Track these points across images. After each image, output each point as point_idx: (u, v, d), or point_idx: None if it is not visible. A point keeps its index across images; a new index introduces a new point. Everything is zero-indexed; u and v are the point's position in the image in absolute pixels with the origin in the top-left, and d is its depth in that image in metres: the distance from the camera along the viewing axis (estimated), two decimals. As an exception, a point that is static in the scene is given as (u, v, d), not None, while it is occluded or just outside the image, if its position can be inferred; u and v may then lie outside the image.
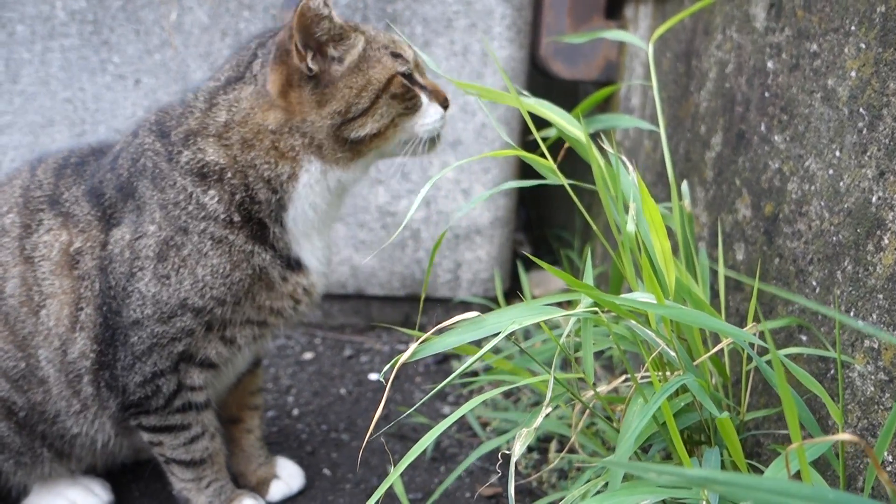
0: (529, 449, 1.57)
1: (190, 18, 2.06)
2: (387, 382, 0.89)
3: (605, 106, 2.17)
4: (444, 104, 1.28)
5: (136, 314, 1.20)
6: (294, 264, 1.26)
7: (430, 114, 1.25)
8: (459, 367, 1.96)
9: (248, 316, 1.25)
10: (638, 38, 1.69)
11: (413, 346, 0.94)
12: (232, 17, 2.06)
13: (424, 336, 0.96)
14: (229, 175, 1.20)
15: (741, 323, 1.34)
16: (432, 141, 1.27)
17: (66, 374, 1.26)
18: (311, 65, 1.17)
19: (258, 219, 1.21)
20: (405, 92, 1.22)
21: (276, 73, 1.20)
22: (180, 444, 1.30)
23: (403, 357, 0.90)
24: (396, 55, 1.23)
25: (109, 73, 2.08)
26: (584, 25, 2.04)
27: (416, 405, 1.31)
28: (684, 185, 1.28)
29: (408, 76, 1.23)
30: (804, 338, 1.16)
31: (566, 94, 2.66)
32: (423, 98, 1.25)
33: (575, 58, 2.08)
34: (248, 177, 1.20)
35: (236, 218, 1.20)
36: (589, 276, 1.04)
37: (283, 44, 1.18)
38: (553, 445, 1.56)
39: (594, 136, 1.46)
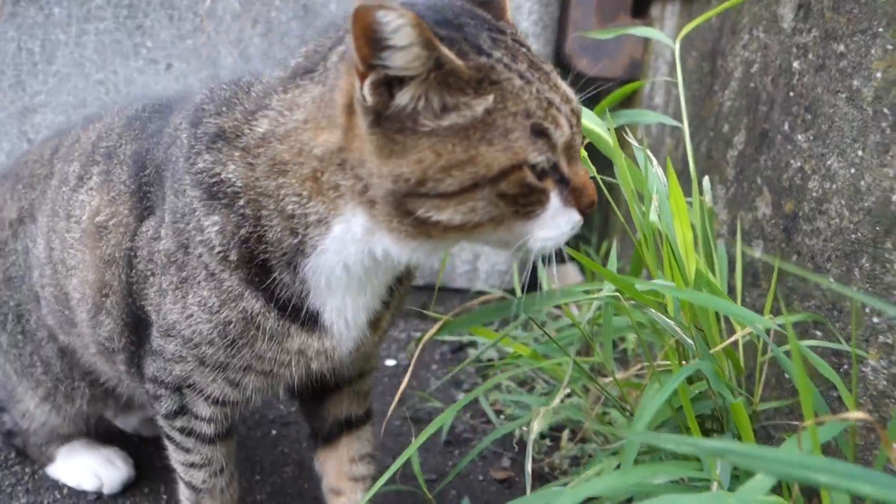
0: (542, 436, 1.60)
1: (222, 5, 2.10)
2: (412, 358, 0.92)
3: (628, 105, 2.18)
4: (587, 209, 0.88)
5: (150, 317, 1.06)
6: (307, 319, 0.97)
7: (557, 224, 0.86)
8: (474, 353, 1.99)
9: (248, 363, 1.01)
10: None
11: (438, 325, 0.98)
12: (263, 5, 2.10)
13: (447, 317, 0.99)
14: (241, 202, 0.92)
15: (757, 319, 1.36)
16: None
17: (97, 346, 1.21)
18: (366, 91, 0.80)
19: (261, 261, 0.94)
20: (525, 194, 0.82)
21: (349, 79, 0.83)
22: (180, 462, 1.18)
23: (429, 333, 0.94)
24: (540, 132, 0.82)
25: (142, 56, 2.12)
26: (611, 23, 2.06)
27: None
28: (706, 181, 1.30)
29: (542, 169, 0.83)
30: (819, 333, 1.18)
31: (587, 90, 2.68)
32: (554, 201, 0.85)
33: (599, 55, 2.10)
34: (262, 208, 0.92)
35: (233, 256, 0.94)
36: (612, 264, 1.06)
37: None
38: (566, 434, 1.58)
39: (616, 132, 1.48)
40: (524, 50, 0.87)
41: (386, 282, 1.00)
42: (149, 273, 1.02)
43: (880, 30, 1.12)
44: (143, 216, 1.04)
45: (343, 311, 0.98)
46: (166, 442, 1.19)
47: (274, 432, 1.66)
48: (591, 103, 1.38)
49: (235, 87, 0.98)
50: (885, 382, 1.03)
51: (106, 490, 1.45)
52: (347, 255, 0.92)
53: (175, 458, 1.18)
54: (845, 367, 1.11)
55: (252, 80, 0.98)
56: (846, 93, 1.18)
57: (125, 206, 1.06)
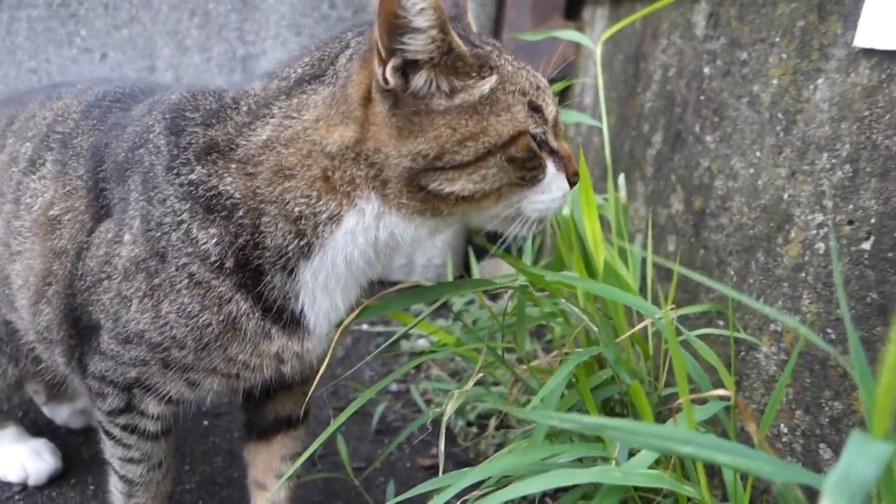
0: (469, 424, 1.65)
1: (159, -4, 2.09)
2: (344, 348, 0.96)
3: (560, 103, 2.25)
4: (573, 179, 0.99)
5: (97, 321, 1.04)
6: (289, 320, 0.98)
7: (551, 189, 0.96)
8: (408, 346, 2.04)
9: (215, 366, 1.01)
10: (593, 39, 1.78)
11: (359, 309, 1.02)
12: (201, -4, 2.10)
13: (367, 302, 1.04)
14: (240, 213, 0.94)
15: (670, 310, 1.44)
16: (540, 222, 0.97)
17: (36, 334, 1.17)
18: (388, 74, 0.87)
19: (255, 266, 0.95)
20: (529, 158, 0.92)
21: (365, 73, 0.90)
22: (117, 456, 1.16)
23: (350, 318, 0.97)
24: (535, 108, 0.93)
25: (76, 45, 2.10)
26: (545, 24, 2.12)
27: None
28: (621, 178, 1.36)
29: (540, 140, 0.94)
30: (721, 322, 1.26)
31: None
32: (550, 168, 0.95)
33: (534, 56, 2.15)
34: (263, 215, 0.94)
35: (229, 264, 0.95)
36: (527, 256, 1.12)
37: (373, 36, 0.89)
38: (493, 422, 1.64)
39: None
40: (502, 48, 1.00)
41: (367, 279, 1.03)
42: (104, 276, 0.99)
43: (777, 39, 1.20)
44: (99, 214, 1.03)
45: (329, 312, 1.00)
46: (103, 436, 1.16)
47: (206, 423, 1.67)
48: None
49: (220, 100, 0.99)
50: (775, 367, 1.11)
51: (31, 482, 1.45)
52: (355, 248, 0.94)
53: (112, 452, 1.16)
54: (742, 353, 1.19)
55: (238, 96, 0.99)
56: (748, 97, 1.26)
57: (81, 201, 1.04)
